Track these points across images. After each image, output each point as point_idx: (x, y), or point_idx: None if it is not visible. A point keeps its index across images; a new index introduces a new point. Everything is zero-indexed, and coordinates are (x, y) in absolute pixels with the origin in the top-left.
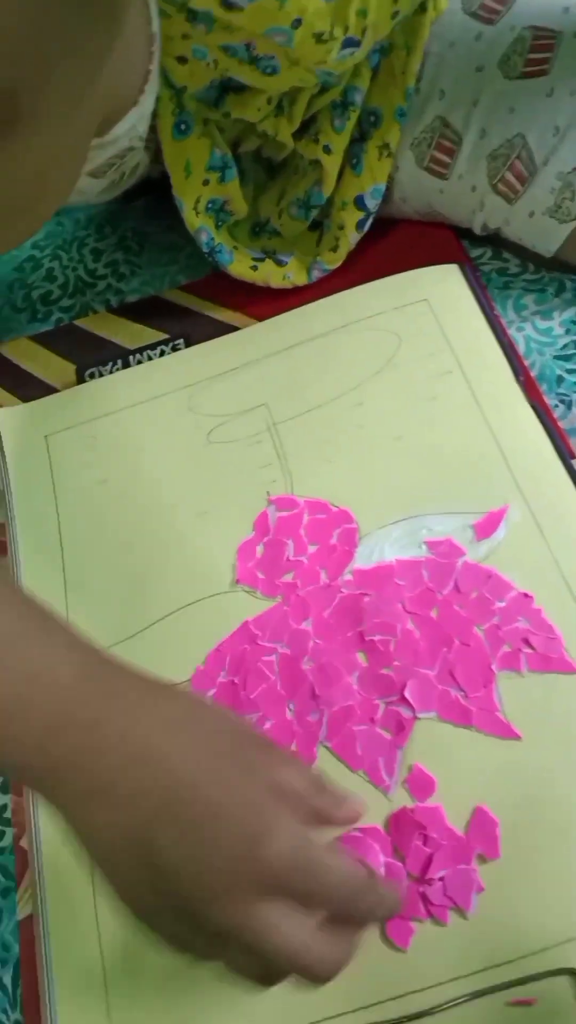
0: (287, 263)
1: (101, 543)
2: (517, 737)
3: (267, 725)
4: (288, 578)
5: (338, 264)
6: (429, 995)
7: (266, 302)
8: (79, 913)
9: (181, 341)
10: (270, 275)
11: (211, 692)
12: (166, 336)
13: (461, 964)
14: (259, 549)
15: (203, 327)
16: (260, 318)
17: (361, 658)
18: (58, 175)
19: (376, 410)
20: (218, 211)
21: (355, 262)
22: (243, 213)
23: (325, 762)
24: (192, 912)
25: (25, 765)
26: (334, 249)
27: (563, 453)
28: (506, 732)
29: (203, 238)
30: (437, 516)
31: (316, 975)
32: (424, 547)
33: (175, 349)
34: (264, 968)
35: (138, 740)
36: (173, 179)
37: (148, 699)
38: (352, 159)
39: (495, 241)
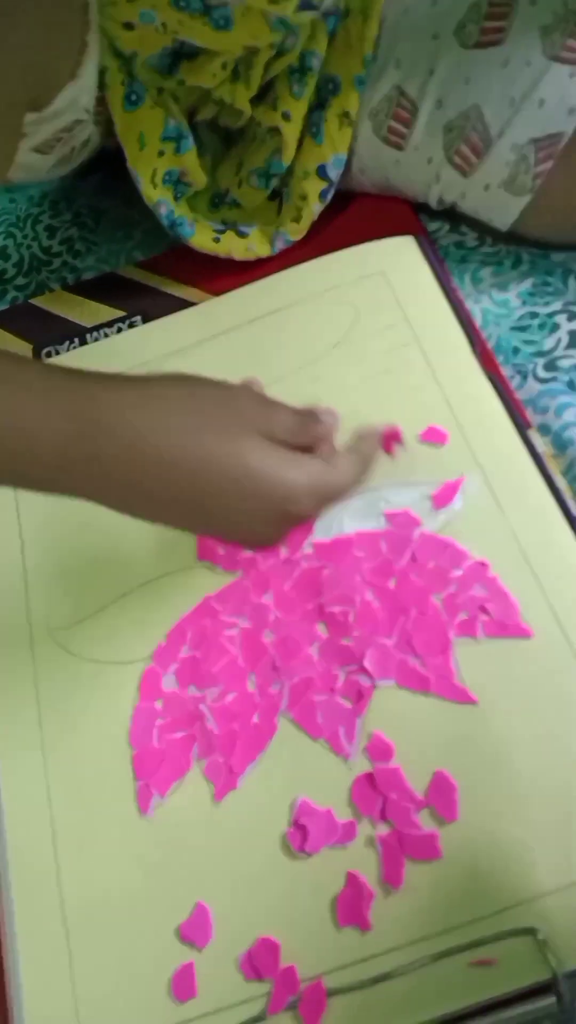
0: (249, 234)
1: (60, 523)
2: (474, 702)
3: (229, 698)
4: (247, 552)
5: (302, 235)
6: (389, 959)
7: (223, 277)
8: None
9: (138, 318)
10: (232, 247)
11: (173, 668)
12: (123, 313)
13: (421, 927)
14: None
15: (161, 304)
16: (218, 294)
17: (321, 629)
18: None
19: (334, 384)
20: (176, 183)
21: (313, 236)
22: (201, 184)
23: (286, 732)
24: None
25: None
26: (296, 219)
27: (519, 424)
28: (463, 697)
29: (162, 211)
30: (395, 488)
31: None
32: (383, 519)
33: (132, 326)
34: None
35: (148, 452)
36: (127, 152)
37: (146, 410)
38: (312, 128)
39: (452, 215)
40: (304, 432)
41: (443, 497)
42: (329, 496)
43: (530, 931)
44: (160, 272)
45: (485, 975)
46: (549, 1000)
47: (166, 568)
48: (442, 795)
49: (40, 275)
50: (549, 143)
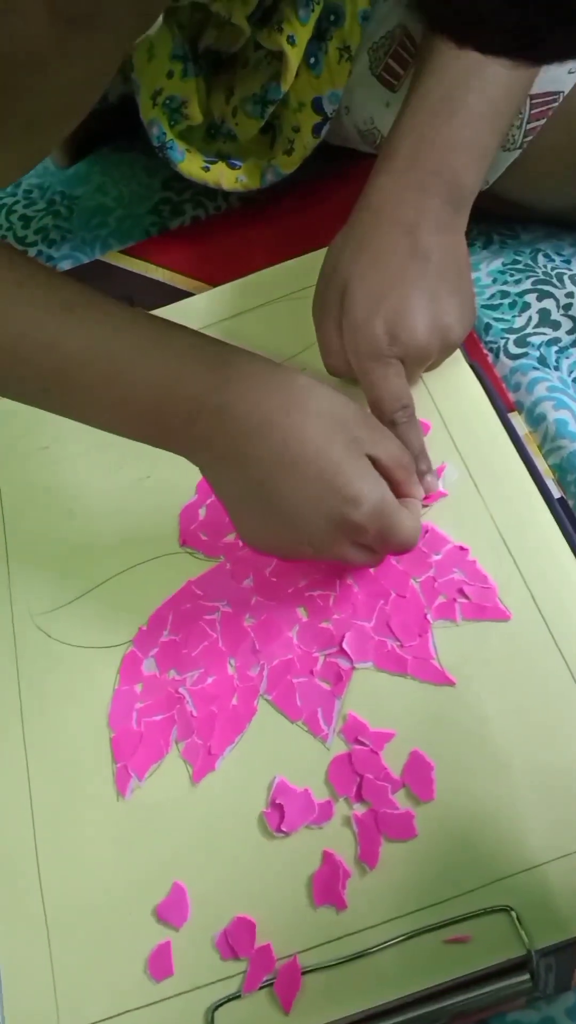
0: (240, 167)
1: (43, 509)
2: (451, 683)
3: (209, 681)
4: (230, 538)
5: (293, 168)
6: (365, 937)
7: (209, 263)
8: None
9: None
10: (222, 176)
11: (153, 652)
12: None
13: (397, 906)
14: (202, 511)
15: (145, 289)
16: (203, 279)
17: (301, 613)
18: (89, 92)
19: (321, 374)
20: (173, 111)
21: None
22: (197, 119)
23: (265, 714)
24: (299, 540)
25: (168, 444)
26: (288, 152)
27: (500, 408)
28: (440, 679)
29: (154, 131)
30: None
31: (414, 540)
32: None
33: None
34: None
35: (259, 417)
36: (135, 61)
37: (269, 384)
38: (310, 58)
39: None
40: (401, 467)
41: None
42: (387, 528)
43: (504, 909)
44: (144, 257)
45: (460, 952)
46: (523, 977)
47: (148, 554)
48: (418, 775)
49: None
50: (545, 101)
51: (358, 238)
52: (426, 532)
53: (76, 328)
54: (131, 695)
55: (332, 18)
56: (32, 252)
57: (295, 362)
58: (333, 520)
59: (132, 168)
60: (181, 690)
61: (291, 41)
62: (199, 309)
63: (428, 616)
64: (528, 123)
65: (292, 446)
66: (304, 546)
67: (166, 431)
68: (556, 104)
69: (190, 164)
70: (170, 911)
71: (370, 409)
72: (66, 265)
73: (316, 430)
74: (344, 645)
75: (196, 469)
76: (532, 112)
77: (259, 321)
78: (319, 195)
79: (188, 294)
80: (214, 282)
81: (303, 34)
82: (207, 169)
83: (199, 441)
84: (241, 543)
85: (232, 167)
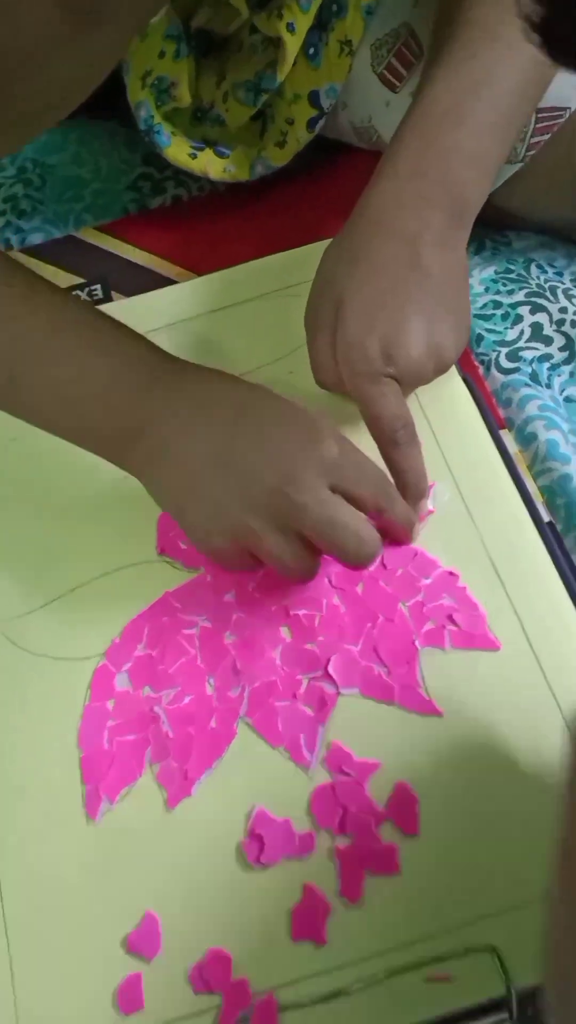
0: (228, 155)
1: (11, 506)
2: (438, 714)
3: (186, 700)
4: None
5: (284, 162)
6: (344, 974)
7: (192, 249)
8: None
9: (98, 287)
10: (209, 164)
11: (127, 666)
12: (81, 280)
13: (377, 942)
14: None
15: (121, 270)
16: (185, 266)
17: (285, 633)
18: (88, 83)
19: (308, 379)
20: (161, 91)
21: (295, 198)
22: (185, 102)
23: (245, 738)
24: (244, 511)
25: (116, 433)
26: (280, 145)
27: (491, 425)
28: (427, 709)
29: (142, 113)
30: None
31: (362, 550)
32: None
33: (91, 295)
34: (310, 561)
35: (197, 404)
36: None
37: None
38: (309, 48)
39: None
40: (366, 481)
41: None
42: (328, 522)
43: (487, 948)
44: (121, 236)
45: (440, 991)
46: (502, 1016)
47: (124, 561)
48: (403, 808)
49: None
50: (551, 116)
51: (354, 248)
52: (415, 555)
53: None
54: (103, 712)
55: (334, 8)
56: None
57: (284, 364)
58: (300, 453)
59: (112, 139)
60: (156, 709)
61: (291, 29)
62: (182, 299)
63: (416, 642)
64: (532, 136)
65: (252, 401)
66: (241, 523)
67: (99, 434)
68: (562, 120)
69: (177, 150)
70: (141, 942)
71: (368, 428)
72: (37, 238)
73: (272, 423)
74: (329, 669)
75: None
76: (537, 126)
77: (245, 317)
78: (308, 185)
79: (168, 280)
80: (197, 270)
81: (303, 22)
82: (194, 156)
83: (136, 435)
84: None
85: (220, 155)
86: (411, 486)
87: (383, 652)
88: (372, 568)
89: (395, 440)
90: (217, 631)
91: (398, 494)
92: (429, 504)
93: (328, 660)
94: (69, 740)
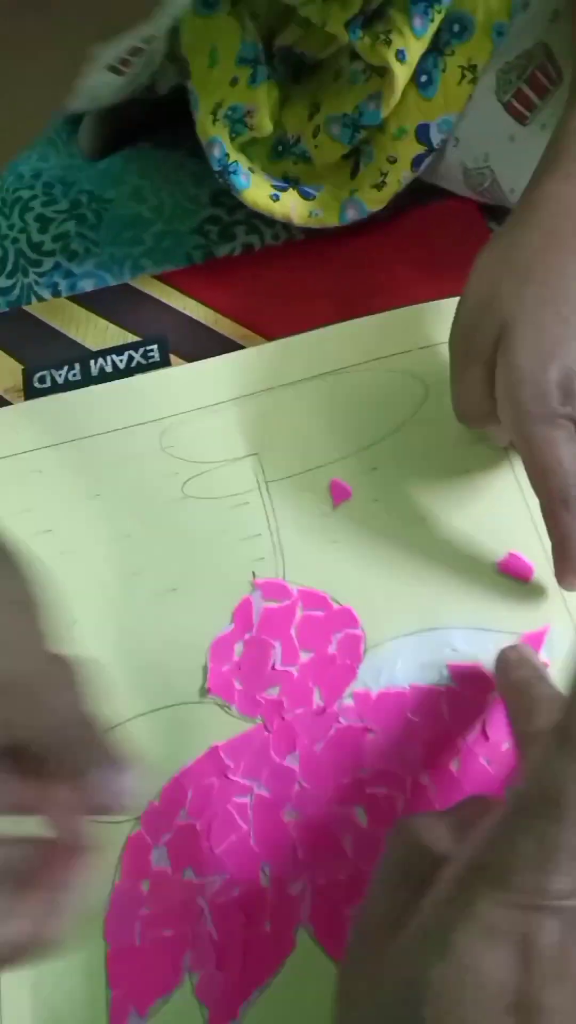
0: (315, 197)
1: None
2: None
3: (235, 892)
4: (272, 693)
5: (382, 206)
6: None
7: (260, 304)
8: None
9: (155, 348)
10: (293, 209)
11: (166, 838)
12: (137, 339)
13: None
14: (238, 648)
15: (182, 329)
16: (252, 328)
17: (359, 816)
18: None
19: (395, 480)
20: (235, 122)
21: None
22: (265, 132)
23: (306, 952)
24: None
25: None
26: (378, 187)
27: None
28: None
29: (215, 152)
30: (464, 631)
31: None
32: (445, 671)
33: (147, 357)
34: None
35: None
36: (192, 66)
37: None
38: (421, 75)
39: None
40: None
41: None
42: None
43: None
44: (187, 290)
45: None
46: None
47: (164, 699)
48: None
49: (27, 278)
50: None
51: (522, 263)
52: None
53: None
54: (135, 896)
55: (456, 28)
56: (48, 264)
57: (367, 456)
58: None
59: (178, 173)
60: (199, 900)
61: (400, 57)
62: (249, 368)
63: None
64: None
65: None
66: None
67: None
68: None
69: (256, 192)
70: None
71: (531, 479)
72: (87, 285)
73: None
74: None
75: (235, 588)
76: None
77: (322, 395)
78: (399, 238)
79: (233, 343)
80: (267, 333)
81: (416, 49)
82: (276, 199)
83: None
84: (286, 704)
85: (305, 197)
86: (571, 559)
87: None
88: (471, 738)
89: (566, 499)
90: (275, 803)
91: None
92: (544, 654)
93: None
94: (93, 928)
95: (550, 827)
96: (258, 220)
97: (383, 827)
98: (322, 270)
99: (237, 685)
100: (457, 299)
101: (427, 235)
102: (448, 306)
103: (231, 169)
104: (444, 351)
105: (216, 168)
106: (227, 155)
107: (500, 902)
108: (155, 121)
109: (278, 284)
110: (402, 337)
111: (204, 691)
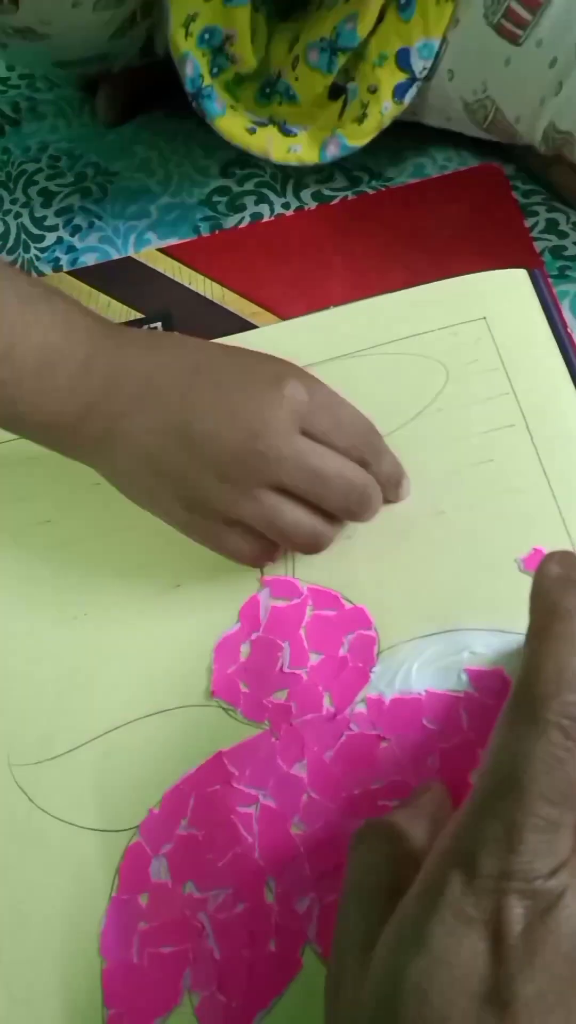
0: (296, 134)
1: (35, 606)
2: None
3: (238, 908)
4: (280, 697)
5: (364, 141)
6: None
7: (269, 279)
8: None
9: (159, 326)
10: (270, 143)
11: (166, 849)
12: (140, 315)
13: None
14: (244, 649)
15: (186, 304)
16: (259, 301)
17: None
18: None
19: (412, 470)
20: (215, 51)
21: (379, 227)
22: (249, 65)
23: (313, 973)
24: (218, 479)
25: (54, 418)
26: (359, 120)
27: None
28: None
29: (188, 71)
30: (483, 633)
31: (306, 544)
32: (464, 677)
33: None
34: (257, 549)
35: (144, 376)
36: None
37: (154, 348)
38: None
39: (549, 186)
40: (354, 439)
41: None
42: (319, 420)
43: None
44: (190, 263)
45: None
46: None
47: (167, 701)
48: None
49: (28, 253)
50: None
51: None
52: None
53: None
54: (133, 910)
55: None
56: (50, 238)
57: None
58: (243, 457)
59: (187, 143)
60: (201, 916)
61: None
62: (261, 348)
63: None
64: None
65: (210, 361)
66: (217, 496)
67: (51, 397)
68: None
69: (231, 122)
70: None
71: None
72: (90, 260)
73: (231, 380)
74: None
75: (240, 583)
76: None
77: (334, 378)
78: (426, 204)
79: (240, 320)
80: (277, 311)
81: None
82: (252, 131)
83: (90, 409)
84: (294, 709)
85: (285, 133)
86: None
87: None
88: None
89: None
90: (282, 815)
91: (384, 445)
92: None
93: None
94: (89, 943)
95: (513, 807)
96: (267, 189)
97: None
98: (336, 242)
99: (243, 688)
100: (483, 275)
101: (449, 203)
102: (471, 283)
103: (205, 93)
104: (466, 332)
105: (189, 90)
106: (201, 77)
107: (470, 888)
108: (169, 87)
109: (289, 257)
110: (422, 317)
111: (208, 693)
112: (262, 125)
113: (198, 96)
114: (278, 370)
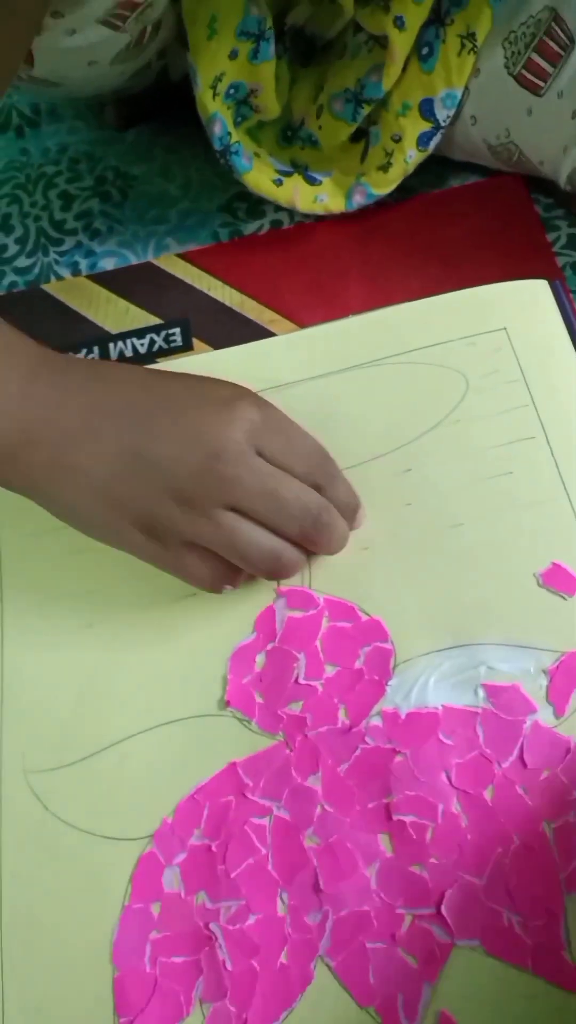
0: (321, 182)
1: (50, 614)
2: None
3: (251, 920)
4: (295, 709)
5: (389, 189)
6: None
7: (288, 287)
8: None
9: (177, 331)
10: (297, 193)
11: (179, 859)
12: (159, 321)
13: None
14: (260, 660)
15: (204, 311)
16: (278, 308)
17: (384, 844)
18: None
19: (429, 482)
20: (240, 103)
21: (402, 237)
22: (272, 113)
23: (324, 986)
24: (175, 502)
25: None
26: (384, 168)
27: None
28: (573, 985)
29: (216, 130)
30: (501, 648)
31: (270, 570)
32: (481, 692)
33: (169, 341)
34: (217, 571)
35: (90, 403)
36: (191, 36)
37: (100, 374)
38: (422, 48)
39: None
40: (305, 461)
41: (565, 675)
42: (272, 442)
43: None
44: (211, 270)
45: None
46: None
47: (181, 710)
48: None
49: (48, 257)
50: None
51: None
52: (568, 752)
53: None
54: (145, 919)
55: None
56: (69, 243)
57: (400, 456)
58: (201, 477)
59: (207, 149)
60: (213, 927)
61: (399, 24)
62: (276, 358)
63: (562, 884)
64: None
65: (157, 386)
66: (172, 518)
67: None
68: None
69: (258, 176)
70: None
71: None
72: (108, 264)
73: (186, 401)
74: (443, 908)
75: (256, 593)
76: None
77: (352, 388)
78: (447, 213)
79: (259, 328)
80: (296, 318)
81: (416, 16)
82: (279, 183)
83: (33, 435)
84: (309, 720)
85: (311, 182)
86: None
87: (517, 893)
88: (507, 764)
89: None
90: (296, 826)
91: (338, 471)
92: None
93: (442, 894)
94: (101, 951)
95: None
96: None
97: (410, 857)
98: (355, 250)
99: (258, 698)
100: (504, 285)
101: (470, 213)
102: (491, 294)
103: (233, 149)
104: (486, 342)
105: (217, 148)
106: (228, 134)
107: None
108: (176, 109)
109: (308, 264)
110: (441, 327)
111: (223, 703)
112: (287, 175)
113: (226, 153)
114: (230, 392)
